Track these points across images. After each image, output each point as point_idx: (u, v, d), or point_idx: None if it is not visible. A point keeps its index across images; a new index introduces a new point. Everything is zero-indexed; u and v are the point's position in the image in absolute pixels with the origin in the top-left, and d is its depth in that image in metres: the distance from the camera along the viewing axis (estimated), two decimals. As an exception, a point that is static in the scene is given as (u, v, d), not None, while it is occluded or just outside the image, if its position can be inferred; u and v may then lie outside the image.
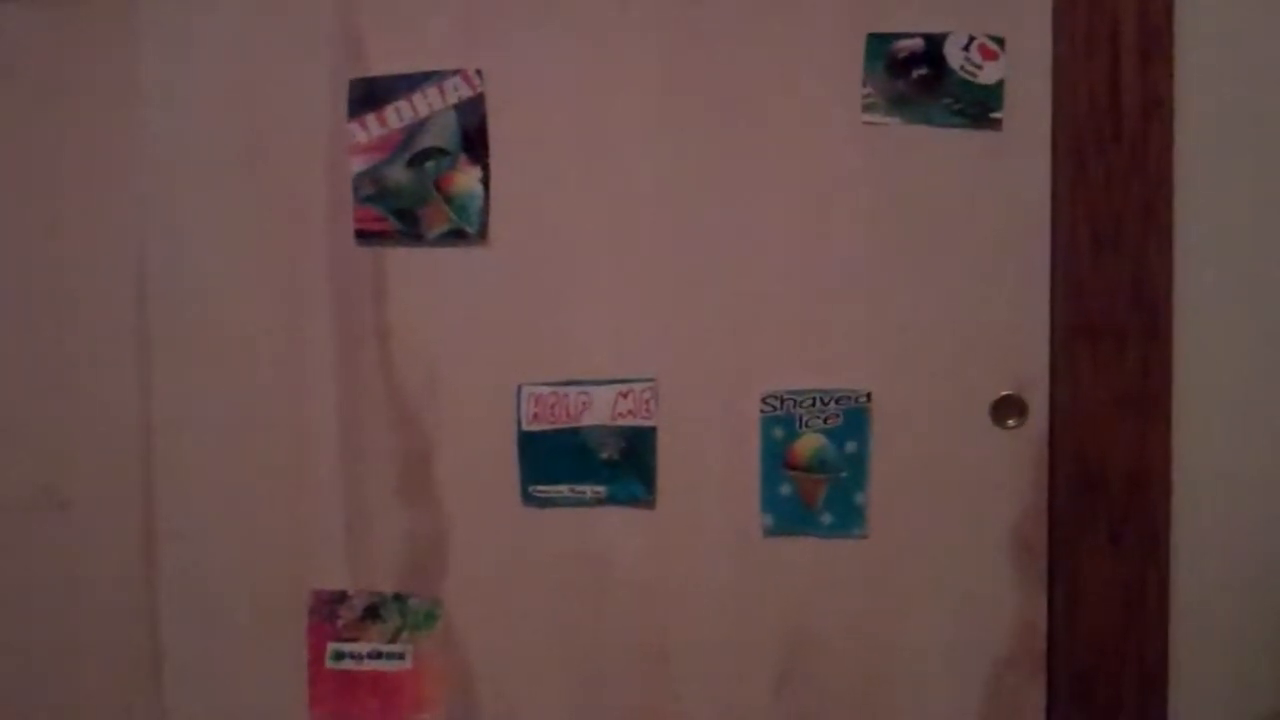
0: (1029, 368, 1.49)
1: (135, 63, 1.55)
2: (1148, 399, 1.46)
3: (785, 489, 1.52)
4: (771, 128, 1.49)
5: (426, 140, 1.51)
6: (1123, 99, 1.43)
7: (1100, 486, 1.46)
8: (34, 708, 1.60)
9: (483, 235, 1.51)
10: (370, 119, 1.52)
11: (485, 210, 1.51)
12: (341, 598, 1.57)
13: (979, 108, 1.47)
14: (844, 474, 1.51)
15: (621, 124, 1.50)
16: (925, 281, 1.49)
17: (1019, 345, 1.49)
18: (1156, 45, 1.43)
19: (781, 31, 1.48)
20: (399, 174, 1.51)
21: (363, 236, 1.53)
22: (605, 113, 1.50)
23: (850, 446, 1.51)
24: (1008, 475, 1.50)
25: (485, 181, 1.51)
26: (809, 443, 1.51)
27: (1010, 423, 1.49)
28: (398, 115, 1.51)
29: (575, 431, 1.52)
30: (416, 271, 1.53)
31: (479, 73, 1.51)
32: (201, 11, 1.54)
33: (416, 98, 1.51)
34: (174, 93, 1.55)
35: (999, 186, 1.48)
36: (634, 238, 1.51)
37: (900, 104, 1.47)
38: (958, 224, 1.48)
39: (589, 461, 1.53)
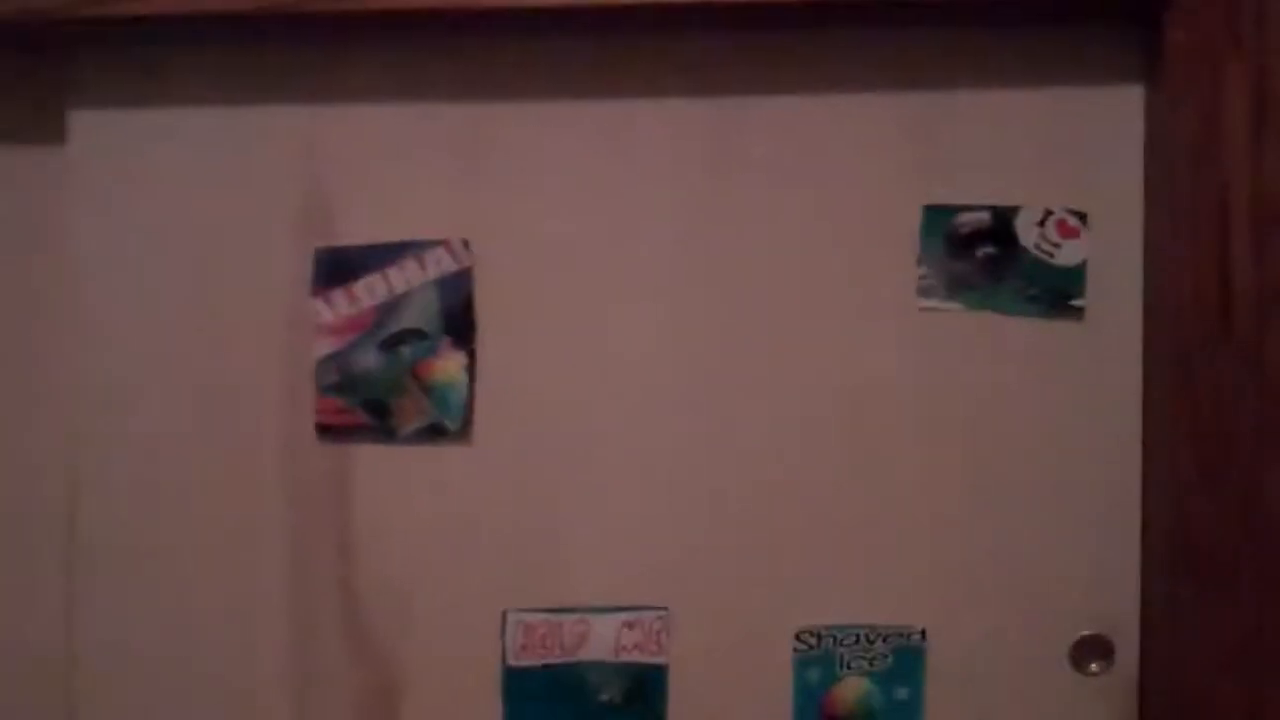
0: (1116, 605, 1.30)
1: (67, 227, 1.37)
2: (1262, 657, 1.24)
3: (823, 743, 1.33)
4: (809, 314, 1.32)
5: (403, 321, 1.35)
6: (1234, 289, 1.23)
7: (1200, 746, 1.25)
8: None
9: (466, 433, 1.34)
10: (337, 295, 1.35)
11: (470, 404, 1.34)
12: None
13: (1056, 294, 1.30)
14: (893, 725, 1.33)
15: (634, 309, 1.33)
16: (992, 500, 1.31)
17: (1105, 578, 1.30)
18: (1276, 224, 1.22)
19: (819, 202, 1.32)
20: (369, 359, 1.35)
21: (325, 431, 1.35)
22: (615, 296, 1.34)
23: (901, 693, 1.33)
24: (1089, 729, 1.31)
25: (470, 370, 1.34)
26: (851, 688, 1.33)
27: (1093, 668, 1.31)
28: (369, 291, 1.34)
29: (571, 668, 1.34)
30: (387, 474, 1.36)
31: (465, 244, 1.34)
32: (143, 169, 1.37)
33: (392, 271, 1.34)
34: (112, 262, 1.37)
35: (1081, 389, 1.30)
36: (647, 441, 1.34)
37: (962, 287, 1.31)
38: (1031, 432, 1.31)
39: (586, 704, 1.34)
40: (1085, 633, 1.30)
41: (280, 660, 1.36)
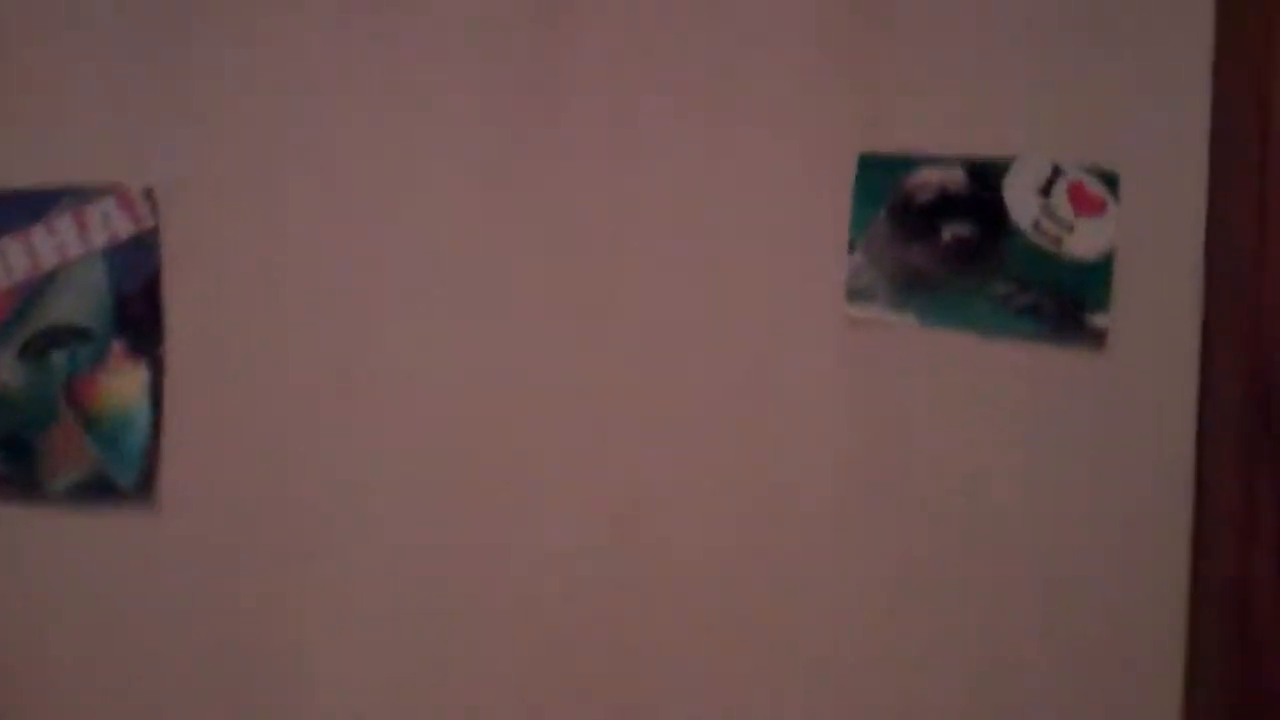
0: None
1: None
2: None
3: None
4: (678, 323, 1.07)
5: (53, 313, 1.08)
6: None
7: None
8: None
9: (148, 491, 1.07)
10: (-49, 271, 1.06)
11: (154, 446, 1.07)
12: None
13: (1066, 303, 1.05)
14: None
15: (417, 292, 1.09)
16: (958, 616, 1.07)
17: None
18: None
19: (693, 147, 1.06)
20: (1, 371, 1.09)
21: (-68, 481, 1.06)
22: (389, 274, 1.09)
23: None
24: None
25: (155, 392, 1.07)
26: None
27: None
28: (1, 265, 1.08)
29: None
30: (28, 551, 1.07)
31: (148, 194, 1.06)
32: None
33: (36, 235, 1.07)
34: None
35: (1098, 454, 1.06)
36: (431, 503, 1.08)
37: (916, 290, 1.07)
38: (1024, 517, 1.07)
39: None
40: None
41: None
